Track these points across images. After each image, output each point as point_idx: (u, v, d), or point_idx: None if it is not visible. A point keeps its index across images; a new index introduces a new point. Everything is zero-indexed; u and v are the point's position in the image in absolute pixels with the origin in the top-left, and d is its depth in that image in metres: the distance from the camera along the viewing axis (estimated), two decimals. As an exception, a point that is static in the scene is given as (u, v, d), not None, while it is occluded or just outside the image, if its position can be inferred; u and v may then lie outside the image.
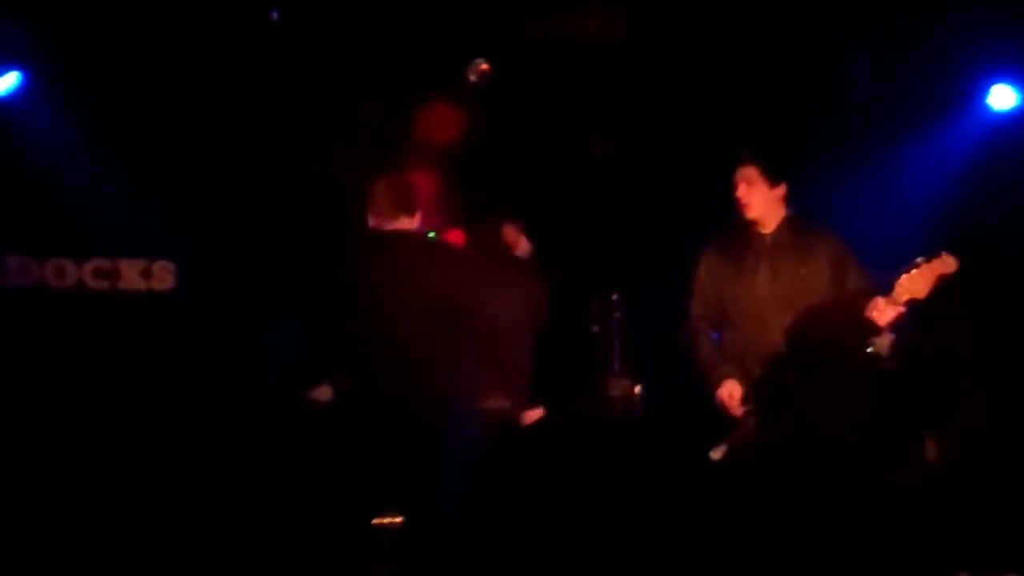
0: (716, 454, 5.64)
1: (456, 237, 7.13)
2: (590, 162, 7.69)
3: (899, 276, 5.41)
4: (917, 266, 5.36)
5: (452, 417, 5.72)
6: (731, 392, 5.74)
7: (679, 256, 6.48)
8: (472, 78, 7.23)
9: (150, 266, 7.53)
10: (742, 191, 5.81)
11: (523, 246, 6.75)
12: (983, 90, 7.73)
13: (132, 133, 7.33)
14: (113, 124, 7.32)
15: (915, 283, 5.33)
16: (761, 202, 5.80)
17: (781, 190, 5.83)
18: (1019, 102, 7.71)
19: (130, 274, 7.53)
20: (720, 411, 5.79)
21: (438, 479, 5.70)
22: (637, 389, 7.01)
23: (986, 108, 7.76)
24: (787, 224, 5.87)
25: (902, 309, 5.42)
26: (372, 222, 5.85)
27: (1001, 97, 7.72)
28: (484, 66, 7.20)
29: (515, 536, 4.30)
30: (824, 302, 5.66)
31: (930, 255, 5.35)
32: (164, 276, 7.54)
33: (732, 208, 5.93)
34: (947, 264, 5.31)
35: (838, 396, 5.47)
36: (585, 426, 4.43)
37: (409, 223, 5.86)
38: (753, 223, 5.85)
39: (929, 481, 5.99)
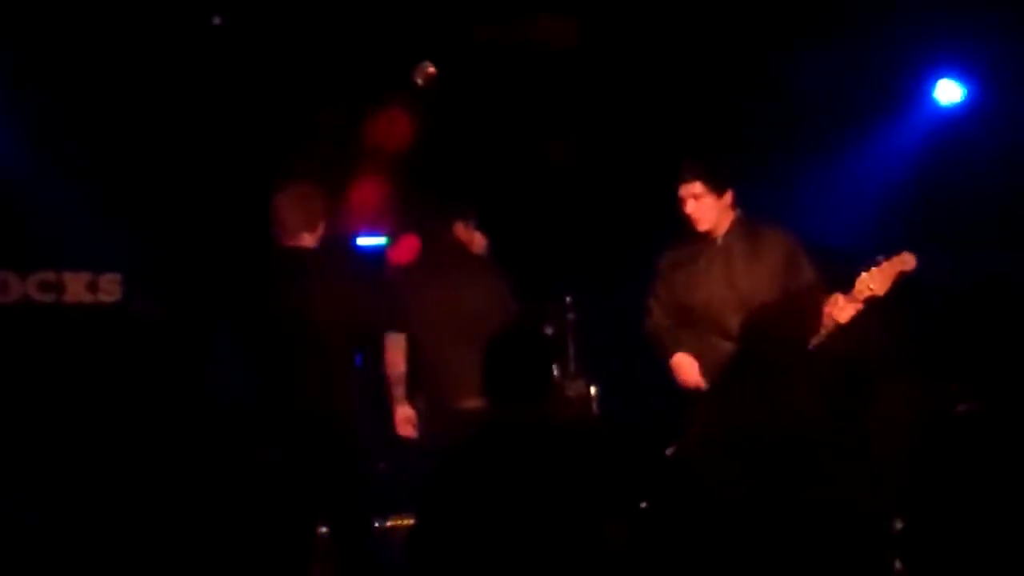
0: (669, 451, 5.67)
1: (410, 243, 7.08)
2: (543, 164, 7.67)
3: (859, 273, 5.44)
4: (877, 264, 5.40)
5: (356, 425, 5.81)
6: (687, 361, 5.81)
7: (633, 257, 6.47)
8: (419, 81, 7.18)
9: (96, 278, 7.41)
10: (690, 207, 5.82)
11: (478, 242, 6.71)
12: (929, 85, 7.78)
13: (76, 143, 7.22)
14: (57, 134, 7.20)
15: (875, 280, 5.42)
16: (711, 213, 5.83)
17: (728, 197, 5.85)
18: (965, 97, 7.76)
19: (76, 287, 7.41)
20: (676, 404, 5.82)
21: (354, 485, 5.76)
22: (593, 390, 7.00)
23: (932, 103, 7.80)
24: (737, 226, 5.89)
25: (861, 306, 5.46)
26: (278, 236, 5.86)
27: (947, 92, 7.76)
28: (431, 69, 7.16)
29: (471, 538, 4.25)
30: (777, 300, 5.67)
31: (890, 253, 5.39)
32: (111, 288, 7.43)
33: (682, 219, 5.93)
34: (906, 262, 5.41)
35: (792, 393, 5.48)
36: (540, 427, 4.38)
37: (310, 239, 5.86)
38: (706, 234, 5.86)
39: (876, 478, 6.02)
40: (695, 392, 5.76)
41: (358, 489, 5.78)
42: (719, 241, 5.88)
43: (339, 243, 6.85)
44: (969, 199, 7.56)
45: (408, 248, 7.07)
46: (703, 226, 5.83)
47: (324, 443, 5.69)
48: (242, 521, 5.91)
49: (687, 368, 5.84)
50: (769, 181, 7.13)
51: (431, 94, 7.21)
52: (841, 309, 5.49)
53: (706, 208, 5.80)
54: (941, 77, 7.73)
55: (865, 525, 5.52)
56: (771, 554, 4.67)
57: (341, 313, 5.76)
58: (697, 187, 5.79)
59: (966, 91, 7.74)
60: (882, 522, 5.85)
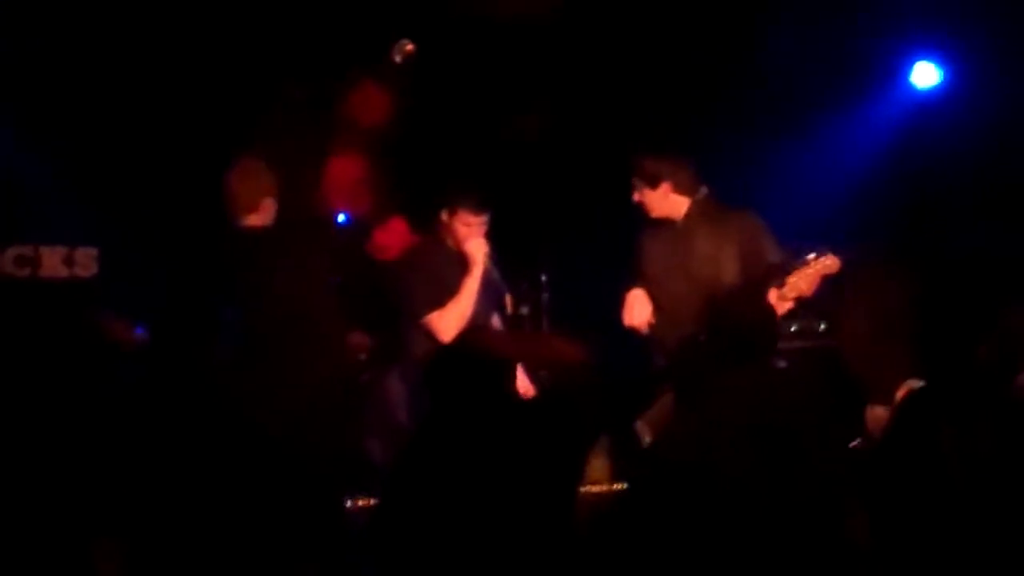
0: (644, 433, 5.74)
1: (398, 226, 7.10)
2: (518, 142, 7.67)
3: (790, 273, 5.60)
4: (806, 263, 5.57)
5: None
6: (640, 299, 6.02)
7: (607, 236, 6.49)
8: (397, 59, 7.16)
9: (72, 253, 7.41)
10: (636, 196, 6.07)
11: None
12: (906, 68, 7.79)
13: (52, 118, 7.21)
14: (31, 109, 7.18)
15: (803, 281, 5.58)
16: (652, 204, 6.03)
17: (664, 188, 6.01)
18: (942, 80, 7.77)
19: (52, 261, 7.40)
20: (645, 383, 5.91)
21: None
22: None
23: (909, 86, 7.81)
24: (697, 209, 6.03)
25: (791, 305, 5.65)
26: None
27: (924, 75, 7.78)
28: (409, 46, 7.14)
29: (434, 518, 4.28)
30: (741, 285, 5.75)
31: (817, 255, 5.57)
32: (87, 263, 7.42)
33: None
34: (830, 266, 5.56)
35: (772, 379, 5.47)
36: (515, 406, 4.40)
37: (257, 219, 5.89)
38: (666, 219, 6.06)
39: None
40: (666, 377, 5.84)
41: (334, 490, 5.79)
42: (679, 225, 6.05)
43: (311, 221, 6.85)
44: (946, 182, 7.59)
45: (396, 231, 7.09)
46: (653, 214, 6.05)
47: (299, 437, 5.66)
48: (220, 506, 5.91)
49: (638, 306, 6.03)
50: (742, 164, 7.18)
51: (408, 71, 7.19)
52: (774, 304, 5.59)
53: (647, 198, 6.03)
54: (918, 60, 7.75)
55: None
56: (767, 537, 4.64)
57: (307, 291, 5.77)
58: (636, 180, 6.04)
59: (943, 74, 7.75)
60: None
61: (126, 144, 7.32)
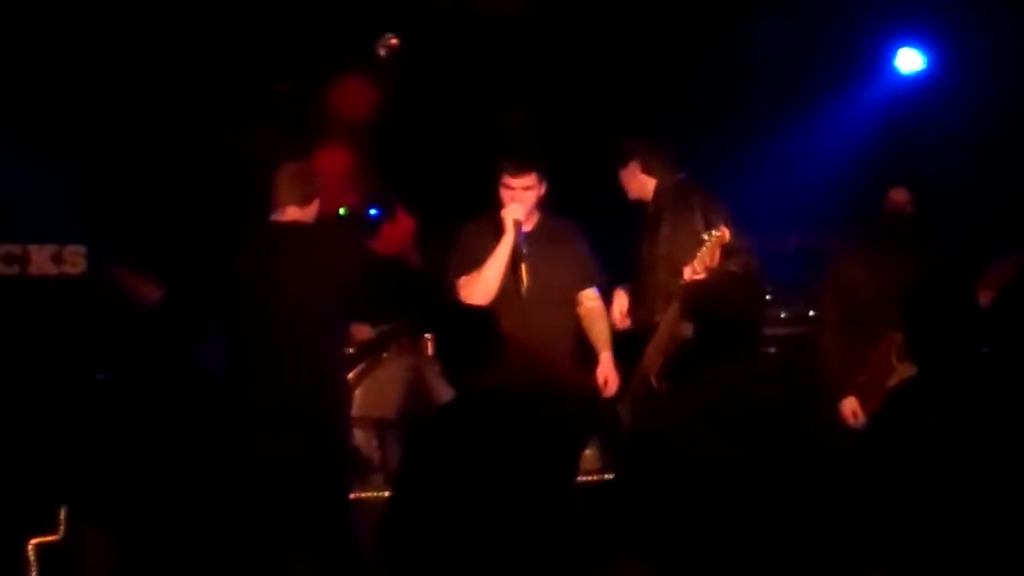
0: (625, 416, 5.85)
1: (405, 222, 7.10)
2: (498, 133, 7.68)
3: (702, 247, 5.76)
4: (710, 237, 5.69)
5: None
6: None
7: (592, 224, 6.52)
8: (382, 53, 7.19)
9: (61, 251, 7.42)
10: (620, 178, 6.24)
11: None
12: (890, 53, 7.81)
13: (40, 116, 7.22)
14: (20, 108, 7.19)
15: (706, 257, 5.68)
16: (625, 183, 6.19)
17: (632, 167, 6.16)
18: (926, 65, 7.80)
19: (40, 259, 7.42)
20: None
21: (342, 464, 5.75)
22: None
23: (894, 71, 7.84)
24: (662, 191, 6.14)
25: (703, 277, 5.66)
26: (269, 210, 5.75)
27: (908, 60, 7.81)
28: (393, 40, 7.17)
29: (444, 510, 4.30)
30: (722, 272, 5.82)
31: (710, 230, 5.72)
32: (75, 260, 7.43)
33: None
34: (721, 237, 5.69)
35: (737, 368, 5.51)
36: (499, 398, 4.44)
37: (299, 214, 5.68)
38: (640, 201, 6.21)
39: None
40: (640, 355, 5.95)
41: (341, 489, 5.74)
42: (649, 208, 6.15)
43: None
44: (931, 168, 7.60)
45: (403, 225, 7.12)
46: (629, 195, 6.20)
47: (306, 434, 5.59)
48: (215, 504, 5.90)
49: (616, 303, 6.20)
50: (727, 151, 7.20)
51: (393, 65, 7.21)
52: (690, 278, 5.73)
53: (623, 178, 6.17)
54: (902, 45, 7.78)
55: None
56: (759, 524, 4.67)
57: (325, 292, 5.63)
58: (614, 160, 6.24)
59: (927, 60, 7.78)
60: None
61: (114, 141, 7.33)
